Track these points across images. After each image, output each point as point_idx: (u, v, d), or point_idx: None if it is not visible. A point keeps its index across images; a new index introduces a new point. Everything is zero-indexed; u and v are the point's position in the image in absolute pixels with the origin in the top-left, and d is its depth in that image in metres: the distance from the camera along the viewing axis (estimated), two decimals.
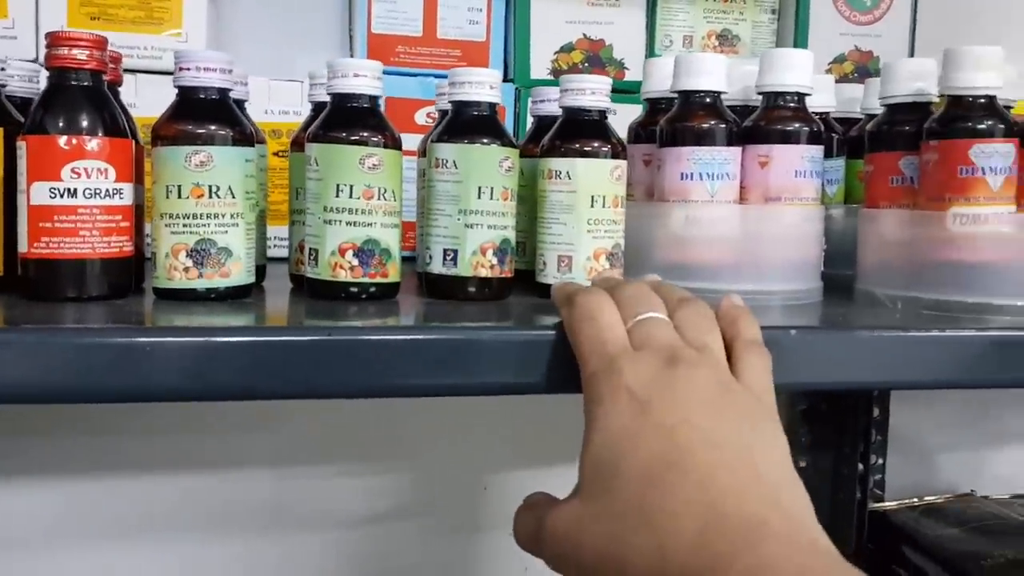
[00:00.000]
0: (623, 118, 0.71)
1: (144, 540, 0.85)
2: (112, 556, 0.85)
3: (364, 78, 0.54)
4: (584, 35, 0.84)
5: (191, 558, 0.86)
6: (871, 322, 0.54)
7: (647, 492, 0.37)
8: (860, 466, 1.00)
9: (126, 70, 0.71)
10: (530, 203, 0.60)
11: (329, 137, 0.53)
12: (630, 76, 0.85)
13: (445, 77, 0.79)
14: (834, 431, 1.01)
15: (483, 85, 0.55)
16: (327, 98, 0.55)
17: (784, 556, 0.34)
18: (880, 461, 1.02)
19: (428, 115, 0.79)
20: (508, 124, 0.81)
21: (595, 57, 0.84)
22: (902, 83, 0.61)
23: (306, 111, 0.65)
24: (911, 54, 0.89)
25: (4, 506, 0.83)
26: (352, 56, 0.81)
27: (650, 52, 0.85)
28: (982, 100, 0.56)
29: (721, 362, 0.43)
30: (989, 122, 0.55)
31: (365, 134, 0.53)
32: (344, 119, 0.53)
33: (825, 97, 0.71)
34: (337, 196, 0.52)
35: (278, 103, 0.77)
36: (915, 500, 1.00)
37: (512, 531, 0.44)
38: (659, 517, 0.36)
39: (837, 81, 0.86)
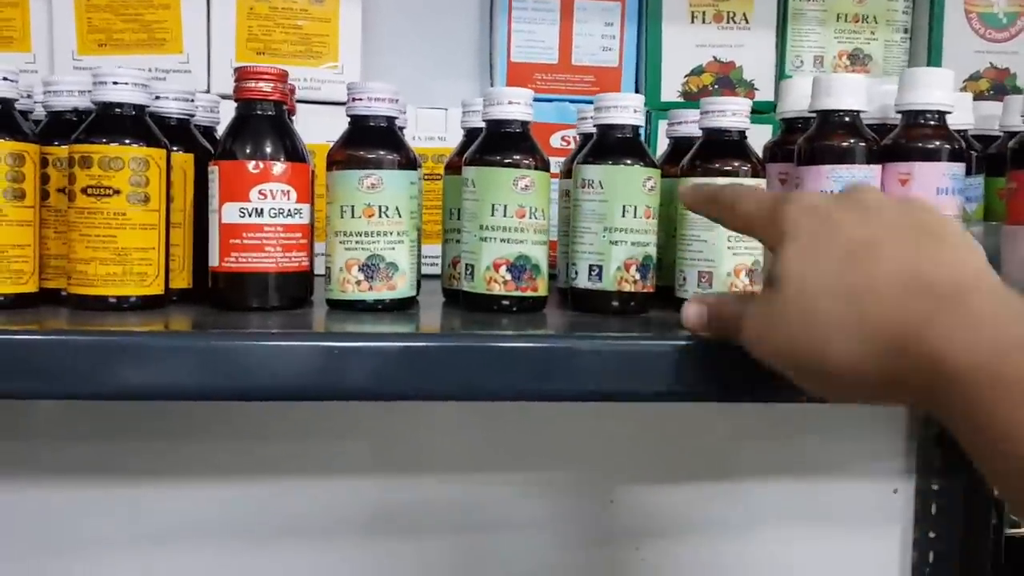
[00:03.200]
0: (754, 137, 0.73)
1: (270, 544, 0.90)
2: (245, 558, 0.89)
3: (517, 105, 0.57)
4: (714, 58, 0.86)
5: (307, 562, 0.90)
6: None
7: (845, 271, 0.39)
8: (995, 490, 0.98)
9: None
10: (666, 221, 0.63)
11: (485, 160, 0.57)
12: (760, 96, 0.86)
13: (579, 102, 0.84)
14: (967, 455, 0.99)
15: (627, 109, 0.58)
16: (480, 124, 0.59)
17: (991, 310, 0.35)
18: None
19: (563, 138, 0.83)
20: None
21: (725, 79, 0.86)
22: None
23: (451, 137, 0.69)
24: None
25: (156, 504, 0.88)
26: (492, 84, 0.85)
27: (780, 73, 0.87)
28: None
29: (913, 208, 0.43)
30: None
31: (518, 157, 0.57)
32: (499, 143, 0.57)
33: (963, 115, 0.72)
34: (492, 215, 0.56)
35: (423, 130, 0.81)
36: None
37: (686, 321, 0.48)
38: (859, 290, 0.38)
39: (973, 99, 0.86)
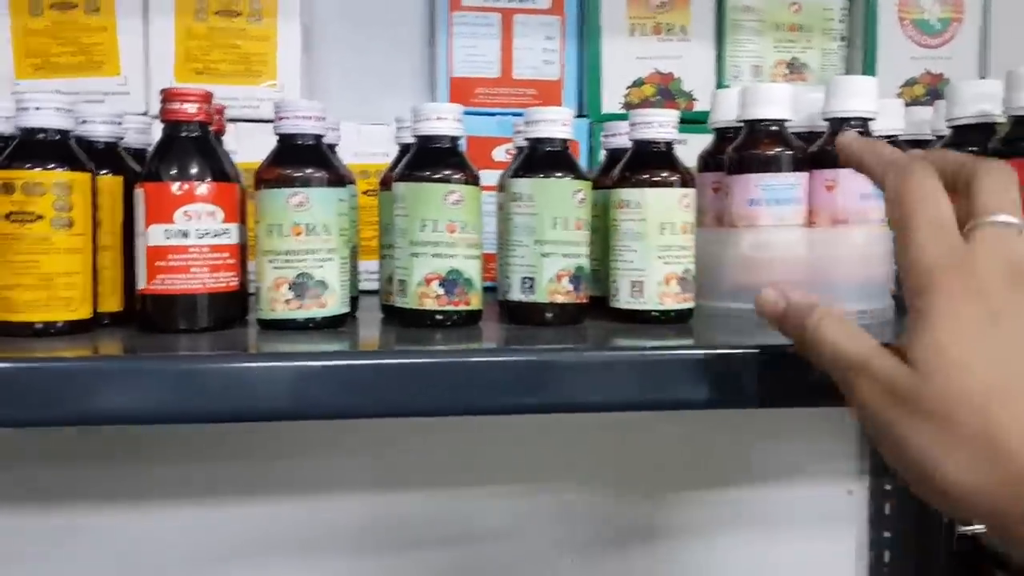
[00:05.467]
0: (694, 147, 0.74)
1: (249, 565, 0.90)
2: None
3: (446, 121, 0.58)
4: (655, 69, 0.87)
5: None
6: None
7: (991, 405, 0.35)
8: None
9: (228, 119, 0.77)
10: (604, 232, 0.64)
11: (414, 176, 0.57)
12: (700, 107, 0.87)
13: (521, 115, 0.84)
14: None
15: (556, 123, 0.59)
16: (412, 140, 0.60)
17: None
18: None
19: (507, 152, 0.83)
20: (583, 157, 0.84)
21: (666, 90, 0.87)
22: (967, 105, 0.62)
23: (394, 152, 0.70)
24: (981, 75, 0.89)
25: (123, 530, 0.88)
26: (435, 99, 0.86)
27: (720, 83, 0.88)
28: None
29: None
30: None
31: (447, 172, 0.57)
32: (428, 159, 0.58)
33: (894, 120, 0.73)
34: (422, 230, 0.56)
35: (367, 145, 0.81)
36: None
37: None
38: (997, 435, 0.35)
39: (909, 104, 0.87)
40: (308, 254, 0.55)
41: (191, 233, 0.54)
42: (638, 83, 0.87)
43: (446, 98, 0.84)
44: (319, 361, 0.47)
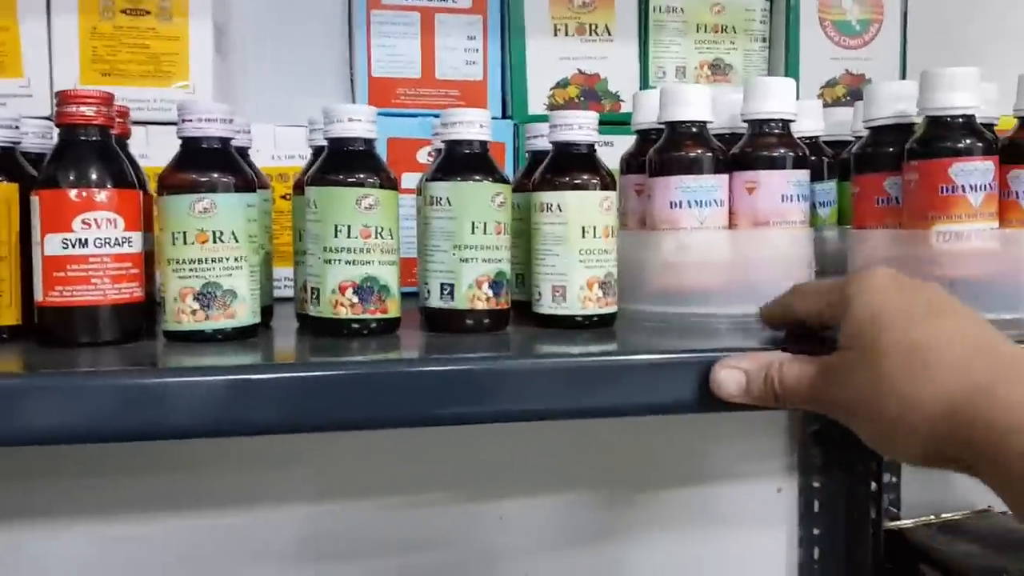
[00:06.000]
0: (620, 149, 0.73)
1: None
2: None
3: (359, 122, 0.56)
4: (579, 70, 0.86)
5: None
6: None
7: (912, 327, 0.41)
8: (874, 485, 1.01)
9: (137, 122, 0.74)
10: (527, 236, 0.62)
11: (327, 180, 0.55)
12: (626, 108, 0.87)
13: None
14: (847, 451, 1.01)
15: (473, 124, 0.57)
16: (324, 142, 0.58)
17: None
18: (895, 479, 1.03)
19: (429, 154, 0.82)
20: (508, 159, 0.83)
21: (590, 91, 0.87)
22: (884, 106, 0.62)
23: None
24: (902, 76, 0.90)
25: (33, 547, 0.85)
26: (355, 100, 0.84)
27: (644, 84, 0.87)
28: (960, 119, 0.57)
29: None
30: (968, 141, 0.57)
31: (361, 175, 0.55)
32: (340, 162, 0.56)
33: (814, 121, 0.73)
34: (336, 236, 0.55)
35: (284, 148, 0.79)
36: (932, 517, 1.00)
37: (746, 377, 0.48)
38: (925, 346, 0.40)
39: (830, 105, 0.88)
40: (215, 263, 0.53)
41: (90, 242, 0.51)
42: (562, 84, 0.86)
43: (365, 99, 0.82)
44: (225, 376, 0.45)
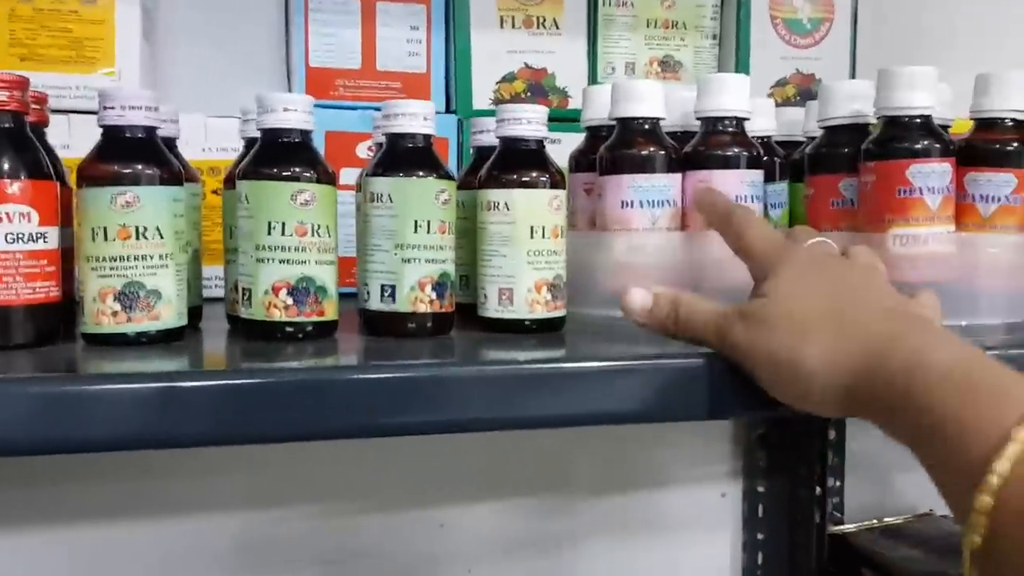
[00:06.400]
0: (568, 146, 0.71)
1: None
2: None
3: (294, 112, 0.52)
4: (526, 64, 0.84)
5: None
6: None
7: (833, 294, 0.44)
8: (818, 489, 1.00)
9: (59, 111, 0.69)
10: (472, 236, 0.60)
11: (260, 173, 0.52)
12: (574, 104, 0.84)
13: None
14: (791, 455, 1.01)
15: (416, 117, 0.55)
16: (258, 134, 0.54)
17: (956, 341, 0.40)
18: (838, 483, 1.02)
19: (369, 148, 0.78)
20: (452, 155, 0.80)
21: (537, 86, 0.84)
22: (839, 105, 0.61)
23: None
24: (851, 76, 0.90)
25: None
26: (291, 90, 0.80)
27: (592, 80, 0.85)
28: (918, 120, 0.56)
29: (884, 276, 0.48)
30: (925, 142, 0.55)
31: (297, 169, 0.52)
32: (275, 155, 0.52)
33: (766, 121, 0.71)
34: (269, 234, 0.51)
35: (216, 140, 0.75)
36: (875, 521, 1.00)
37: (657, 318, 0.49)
38: (843, 308, 0.43)
39: (780, 105, 0.87)
40: (138, 261, 0.49)
41: (1, 237, 0.47)
42: (509, 78, 0.84)
43: (302, 90, 0.78)
44: (147, 384, 0.41)
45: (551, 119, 0.82)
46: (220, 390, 0.41)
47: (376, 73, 0.80)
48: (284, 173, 0.52)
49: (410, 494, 0.92)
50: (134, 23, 0.74)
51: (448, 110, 0.83)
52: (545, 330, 0.56)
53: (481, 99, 0.83)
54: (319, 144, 0.76)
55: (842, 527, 1.00)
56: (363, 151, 0.79)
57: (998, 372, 0.38)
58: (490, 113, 0.82)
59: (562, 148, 0.78)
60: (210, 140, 0.75)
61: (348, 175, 0.75)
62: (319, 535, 0.89)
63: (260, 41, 0.84)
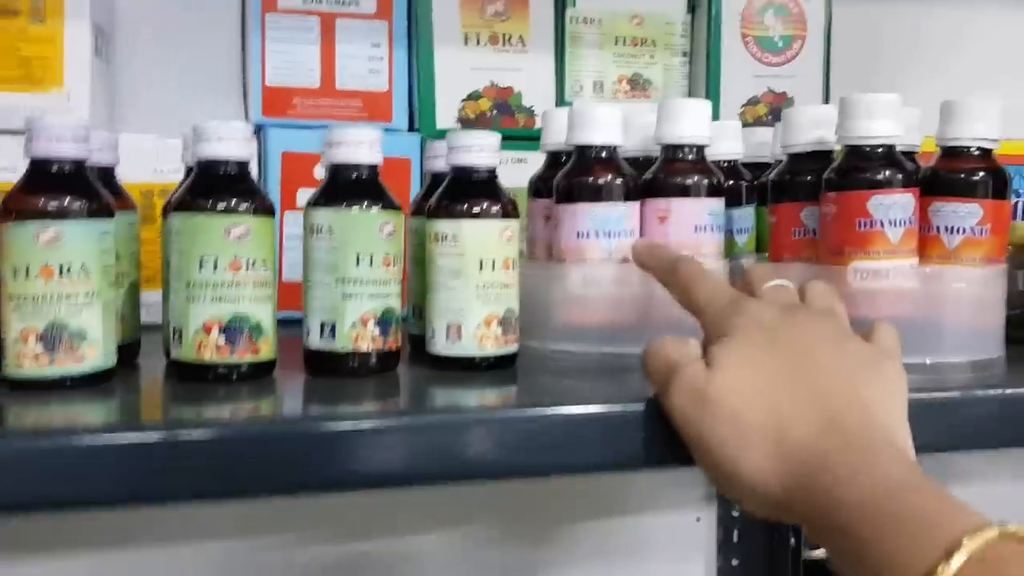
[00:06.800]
0: (534, 166, 0.69)
1: None
2: None
3: (231, 142, 0.50)
4: (492, 82, 0.82)
5: None
6: None
7: (776, 388, 0.41)
8: None
9: (6, 131, 0.67)
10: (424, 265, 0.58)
11: (192, 206, 0.50)
12: (541, 123, 0.82)
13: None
14: None
15: (361, 145, 0.52)
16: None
17: (891, 463, 0.38)
18: None
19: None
20: (414, 176, 0.78)
21: (504, 104, 0.82)
22: (802, 131, 0.59)
23: None
24: (825, 94, 0.88)
25: None
26: (246, 109, 0.78)
27: (560, 98, 0.83)
28: (880, 149, 0.54)
29: (844, 321, 0.46)
30: (887, 172, 0.53)
31: (232, 201, 0.50)
32: (209, 186, 0.50)
33: (732, 144, 0.69)
34: (200, 270, 0.49)
35: (168, 162, 0.73)
36: None
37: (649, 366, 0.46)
38: (783, 413, 0.41)
39: (752, 124, 0.85)
40: (62, 300, 0.47)
41: None
42: (474, 96, 0.81)
43: (259, 109, 0.76)
44: (53, 439, 0.39)
45: (517, 138, 0.81)
46: (124, 449, 0.39)
47: (336, 91, 0.78)
48: (218, 206, 0.49)
49: (380, 521, 0.90)
50: (85, 41, 0.72)
51: (411, 128, 0.81)
52: (496, 367, 0.54)
53: (446, 118, 0.81)
54: (275, 165, 0.75)
55: (818, 552, 0.98)
56: (321, 172, 0.76)
57: (927, 497, 0.36)
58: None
59: (528, 168, 0.76)
60: (161, 161, 0.73)
61: (305, 197, 0.72)
62: (281, 562, 0.87)
63: (218, 59, 0.82)
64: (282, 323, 0.53)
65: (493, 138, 0.55)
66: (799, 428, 0.40)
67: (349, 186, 0.52)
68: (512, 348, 0.55)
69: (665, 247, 0.54)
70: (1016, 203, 0.78)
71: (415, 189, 0.77)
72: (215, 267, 0.49)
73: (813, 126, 0.58)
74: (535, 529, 0.95)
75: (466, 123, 0.81)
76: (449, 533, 0.92)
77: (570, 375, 0.55)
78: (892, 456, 0.39)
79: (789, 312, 0.45)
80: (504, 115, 0.82)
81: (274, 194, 0.74)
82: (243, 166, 0.51)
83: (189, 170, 0.59)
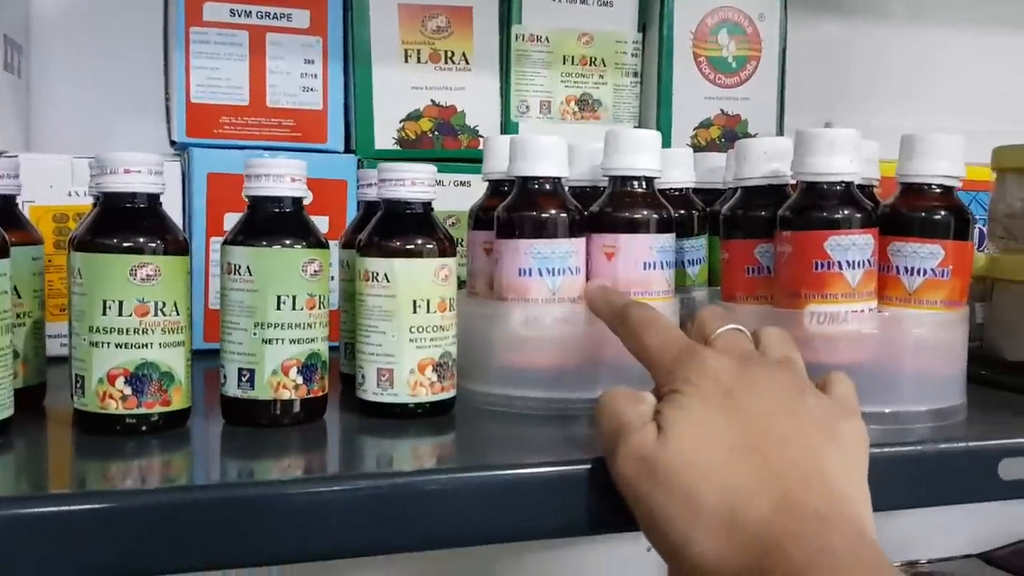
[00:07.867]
0: (478, 190, 0.65)
1: None
2: None
3: (138, 174, 0.46)
4: (433, 101, 0.78)
5: None
6: None
7: (730, 461, 0.39)
8: None
9: None
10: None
11: (95, 244, 0.45)
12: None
13: (278, 149, 0.73)
14: None
15: (282, 178, 0.48)
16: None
17: (845, 547, 0.36)
18: None
19: None
20: (350, 199, 0.74)
21: (446, 124, 0.78)
22: (756, 164, 0.56)
23: None
24: (780, 117, 0.85)
25: None
26: (169, 128, 0.73)
27: (505, 118, 0.80)
28: (838, 187, 0.51)
29: (801, 371, 0.44)
30: (845, 211, 0.51)
31: (139, 240, 0.45)
32: (114, 223, 0.46)
33: (683, 172, 0.66)
34: (104, 314, 0.45)
35: (84, 184, 0.68)
36: None
37: (601, 426, 0.43)
38: (738, 491, 0.38)
39: (704, 148, 0.82)
40: None
41: None
42: (414, 116, 0.77)
43: (183, 127, 0.71)
44: None
45: (460, 160, 0.77)
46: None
47: (266, 110, 0.73)
48: (123, 244, 0.45)
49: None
50: None
51: (348, 150, 0.77)
52: (430, 414, 0.51)
53: (384, 138, 0.77)
54: (200, 187, 0.70)
55: None
56: None
57: None
58: (393, 154, 0.77)
59: (472, 192, 0.73)
60: (77, 184, 0.68)
61: (232, 221, 0.68)
62: None
63: (140, 74, 0.77)
64: (210, 354, 0.49)
65: (428, 170, 0.51)
66: (753, 511, 0.38)
67: (270, 221, 0.48)
68: (448, 394, 0.51)
69: (616, 291, 0.51)
70: (975, 230, 0.76)
71: (351, 213, 0.73)
72: (120, 311, 0.44)
73: (768, 159, 0.56)
74: (483, 563, 0.92)
75: (406, 144, 0.77)
76: (398, 566, 0.88)
77: (511, 423, 0.51)
78: (849, 540, 0.37)
79: (744, 365, 0.42)
80: (446, 135, 0.78)
81: (199, 218, 0.70)
82: (152, 199, 0.47)
83: (94, 200, 0.54)
